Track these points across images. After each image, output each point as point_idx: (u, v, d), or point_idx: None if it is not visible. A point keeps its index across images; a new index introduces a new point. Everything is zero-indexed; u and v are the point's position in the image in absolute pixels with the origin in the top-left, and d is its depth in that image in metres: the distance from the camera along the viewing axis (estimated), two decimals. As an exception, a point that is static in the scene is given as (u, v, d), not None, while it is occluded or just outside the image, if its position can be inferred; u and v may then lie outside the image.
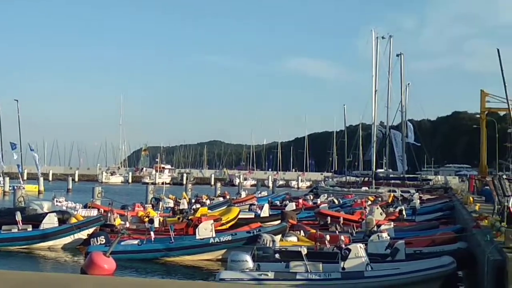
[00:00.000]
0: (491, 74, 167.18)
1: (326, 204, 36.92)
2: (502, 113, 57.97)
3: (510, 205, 12.99)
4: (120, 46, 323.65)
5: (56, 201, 33.56)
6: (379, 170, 68.65)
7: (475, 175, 48.22)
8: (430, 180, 72.10)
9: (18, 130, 73.34)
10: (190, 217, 26.16)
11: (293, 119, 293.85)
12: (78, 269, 18.42)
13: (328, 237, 18.12)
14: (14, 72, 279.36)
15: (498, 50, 37.14)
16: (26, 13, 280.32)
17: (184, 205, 35.34)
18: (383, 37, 66.43)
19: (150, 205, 36.29)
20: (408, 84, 68.46)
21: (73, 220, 24.98)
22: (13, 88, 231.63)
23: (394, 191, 52.50)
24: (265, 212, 31.27)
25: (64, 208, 30.86)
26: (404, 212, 30.26)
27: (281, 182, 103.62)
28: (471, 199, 27.48)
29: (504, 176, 23.86)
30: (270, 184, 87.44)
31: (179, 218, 27.97)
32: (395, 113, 67.33)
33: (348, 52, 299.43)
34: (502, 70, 35.72)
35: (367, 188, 59.01)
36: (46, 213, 25.90)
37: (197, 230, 21.42)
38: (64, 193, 49.90)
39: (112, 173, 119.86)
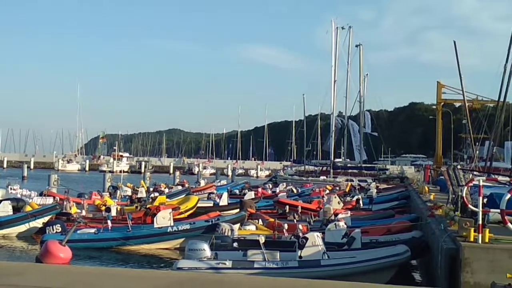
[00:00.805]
0: (447, 65, 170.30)
1: (285, 193, 37.20)
2: (457, 104, 59.35)
3: (464, 195, 13.27)
4: (78, 31, 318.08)
5: (11, 188, 32.87)
6: (337, 160, 69.48)
7: (431, 165, 49.12)
8: (387, 169, 73.28)
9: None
10: (148, 206, 26.02)
11: (253, 108, 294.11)
12: (33, 258, 18.10)
13: (286, 225, 18.23)
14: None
15: (454, 42, 37.98)
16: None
17: (142, 193, 35.07)
18: (343, 28, 67.10)
19: (108, 193, 35.90)
20: (367, 74, 69.32)
21: (28, 208, 24.55)
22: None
23: (352, 181, 53.18)
24: (224, 201, 31.32)
25: (19, 195, 30.27)
26: (361, 201, 30.68)
27: (240, 171, 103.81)
28: (426, 188, 28.00)
29: (459, 167, 24.38)
30: (230, 173, 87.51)
31: (137, 207, 27.79)
32: (354, 104, 68.14)
33: (308, 42, 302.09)
34: (458, 62, 36.56)
35: (325, 178, 59.64)
36: (0, 201, 25.35)
37: (155, 219, 21.30)
38: (19, 180, 48.95)
39: (69, 161, 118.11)
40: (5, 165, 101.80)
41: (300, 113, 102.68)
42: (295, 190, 41.72)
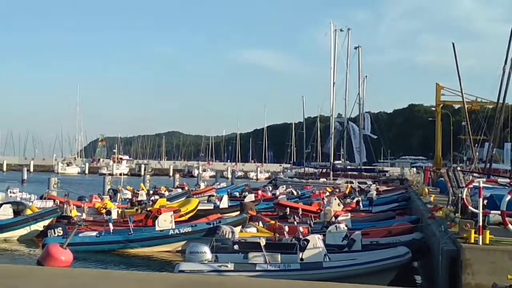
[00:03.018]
0: (446, 67, 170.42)
1: (285, 195, 37.18)
2: (457, 106, 59.29)
3: (464, 196, 13.28)
4: (77, 33, 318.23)
5: (10, 192, 32.85)
6: (337, 162, 69.55)
7: (430, 167, 49.12)
8: (387, 171, 73.27)
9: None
10: (149, 209, 26.01)
11: (252, 110, 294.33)
12: (34, 261, 18.12)
13: (286, 228, 18.25)
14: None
15: (453, 44, 37.94)
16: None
17: (142, 196, 35.07)
18: (341, 30, 67.22)
19: (108, 196, 35.89)
20: (366, 76, 69.39)
21: (28, 212, 24.56)
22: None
23: (352, 182, 53.14)
24: (224, 203, 31.33)
25: (19, 199, 30.25)
26: (361, 203, 30.67)
27: (240, 174, 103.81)
28: (426, 190, 28.00)
29: (458, 168, 24.41)
30: (229, 176, 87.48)
31: (137, 210, 27.79)
32: (353, 105, 68.18)
33: (307, 44, 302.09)
34: (457, 64, 36.51)
35: (325, 180, 59.63)
36: (0, 204, 25.34)
37: (156, 221, 21.31)
38: (19, 184, 48.91)
39: (68, 164, 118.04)
40: (4, 168, 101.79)
41: (299, 115, 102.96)
42: (295, 192, 41.71)
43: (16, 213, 24.40)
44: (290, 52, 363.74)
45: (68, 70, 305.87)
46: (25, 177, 71.29)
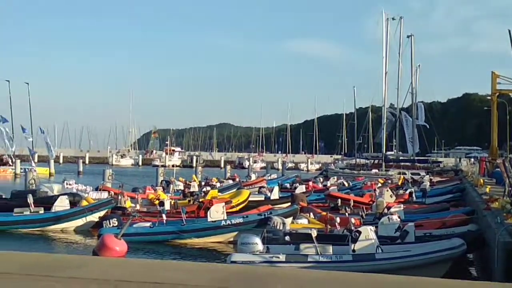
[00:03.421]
0: (502, 55, 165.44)
1: (336, 187, 36.96)
2: (513, 94, 57.59)
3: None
4: (130, 28, 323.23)
5: (66, 183, 33.70)
6: (389, 153, 68.56)
7: (486, 157, 47.96)
8: (441, 162, 71.89)
9: (29, 113, 74.26)
10: (201, 200, 26.27)
11: (303, 101, 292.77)
12: (90, 251, 18.57)
13: (338, 219, 18.16)
14: (26, 56, 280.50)
15: (509, 31, 36.83)
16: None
17: (194, 187, 35.40)
18: (393, 18, 66.05)
19: (161, 187, 36.38)
20: (419, 65, 67.92)
21: (84, 203, 25.13)
22: (25, 71, 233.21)
23: (404, 173, 52.43)
24: (275, 194, 31.34)
25: (74, 190, 30.98)
26: (414, 195, 30.21)
27: (290, 165, 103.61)
28: (482, 181, 27.40)
29: (515, 158, 23.73)
30: (280, 167, 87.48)
31: (189, 201, 28.08)
32: (406, 95, 66.98)
33: (358, 34, 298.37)
34: (514, 52, 35.34)
35: (377, 171, 58.99)
36: (58, 196, 25.99)
37: (208, 212, 21.49)
38: (75, 175, 50.25)
39: (122, 156, 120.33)
40: (61, 161, 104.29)
41: (350, 106, 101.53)
42: (346, 184, 41.40)
43: (73, 204, 25.00)
44: (341, 42, 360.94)
45: (121, 63, 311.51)
46: (81, 169, 72.98)
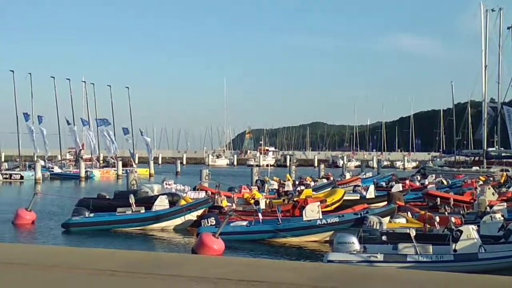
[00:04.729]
0: None
1: (434, 185, 35.92)
2: None
3: None
4: (221, 30, 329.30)
5: (166, 183, 34.68)
6: (490, 149, 65.83)
7: None
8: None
9: (129, 116, 77.35)
10: (295, 199, 26.29)
11: (398, 98, 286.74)
12: (189, 250, 19.07)
13: (437, 218, 17.66)
14: (125, 61, 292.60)
15: None
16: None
17: (288, 186, 35.49)
18: (492, 10, 63.38)
19: (256, 187, 36.74)
20: (521, 58, 64.85)
21: (182, 202, 25.75)
22: (125, 76, 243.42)
23: (507, 171, 50.18)
24: (371, 193, 30.85)
25: (173, 190, 31.84)
26: (518, 193, 28.89)
27: (385, 163, 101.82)
28: None
29: None
30: (375, 165, 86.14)
31: (284, 200, 28.19)
32: (507, 89, 64.02)
33: (454, 28, 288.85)
34: None
35: (478, 168, 56.95)
36: (157, 196, 26.81)
37: (304, 211, 21.47)
38: (173, 176, 51.72)
39: (218, 156, 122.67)
40: (160, 162, 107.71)
41: (447, 102, 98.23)
42: (445, 182, 40.16)
43: (172, 203, 25.66)
44: (436, 37, 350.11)
45: (215, 64, 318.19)
46: (179, 169, 75.01)
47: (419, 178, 46.97)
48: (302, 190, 30.86)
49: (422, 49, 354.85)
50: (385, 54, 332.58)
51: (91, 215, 24.32)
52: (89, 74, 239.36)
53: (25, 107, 66.78)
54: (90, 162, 69.50)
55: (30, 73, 69.30)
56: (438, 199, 25.65)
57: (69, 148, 77.45)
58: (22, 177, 57.18)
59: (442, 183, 39.51)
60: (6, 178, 56.92)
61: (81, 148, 72.47)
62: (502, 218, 16.98)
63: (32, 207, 26.48)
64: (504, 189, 31.71)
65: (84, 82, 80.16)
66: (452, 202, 23.65)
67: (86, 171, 62.93)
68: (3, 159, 64.60)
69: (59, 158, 71.66)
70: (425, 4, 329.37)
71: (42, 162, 62.87)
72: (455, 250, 13.92)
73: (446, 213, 20.07)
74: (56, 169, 64.41)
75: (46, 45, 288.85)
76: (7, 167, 62.48)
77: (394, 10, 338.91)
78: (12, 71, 66.43)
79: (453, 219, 16.71)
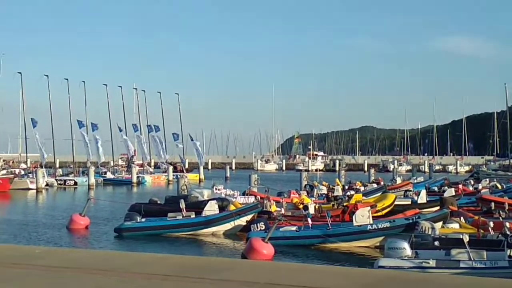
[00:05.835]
0: None
1: (488, 189, 35.09)
2: None
3: None
4: (270, 35, 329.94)
5: (216, 188, 34.94)
6: (547, 152, 64.01)
7: None
8: None
9: (179, 122, 78.30)
10: (345, 204, 26.11)
11: (449, 101, 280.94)
12: (239, 254, 19.15)
13: (491, 223, 17.25)
14: (175, 68, 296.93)
15: None
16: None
17: (338, 191, 35.26)
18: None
19: (305, 192, 36.63)
20: None
21: (232, 207, 25.87)
22: (174, 81, 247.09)
23: None
24: (423, 198, 30.36)
25: (223, 195, 32.05)
26: None
27: (437, 167, 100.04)
28: None
29: None
30: (426, 170, 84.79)
31: (333, 205, 28.01)
32: None
33: (505, 28, 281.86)
34: None
35: (533, 172, 55.40)
36: (207, 201, 27.05)
37: (354, 216, 21.28)
38: (223, 181, 52.06)
39: (267, 161, 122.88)
40: (209, 167, 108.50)
41: (501, 104, 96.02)
42: (499, 186, 39.15)
43: (221, 208, 25.83)
44: (488, 37, 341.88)
45: (263, 69, 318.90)
46: (228, 174, 75.46)
47: (472, 182, 45.98)
48: (352, 195, 30.63)
49: (474, 51, 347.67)
50: (436, 56, 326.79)
51: (143, 220, 24.72)
52: (140, 81, 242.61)
53: (79, 114, 68.42)
54: (142, 168, 70.64)
55: (83, 81, 70.78)
56: (492, 203, 25.05)
57: (121, 154, 78.94)
58: (76, 183, 58.56)
59: (496, 187, 38.54)
60: (60, 184, 58.31)
61: (133, 154, 73.69)
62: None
63: (86, 212, 27.09)
64: (562, 194, 30.67)
65: (136, 89, 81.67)
66: (507, 207, 23.06)
67: (137, 177, 64.01)
68: (57, 166, 66.13)
69: (112, 164, 73.04)
70: (478, 5, 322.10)
71: (95, 168, 64.29)
72: (510, 256, 13.62)
73: (500, 218, 19.53)
74: (109, 175, 65.70)
75: (99, 53, 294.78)
76: (61, 173, 64.07)
77: (446, 11, 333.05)
78: (67, 79, 68.06)
79: (507, 224, 16.26)
